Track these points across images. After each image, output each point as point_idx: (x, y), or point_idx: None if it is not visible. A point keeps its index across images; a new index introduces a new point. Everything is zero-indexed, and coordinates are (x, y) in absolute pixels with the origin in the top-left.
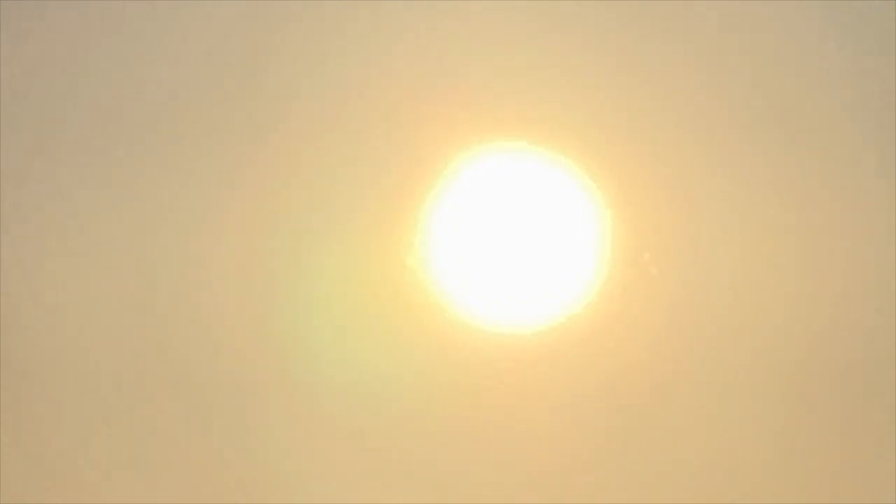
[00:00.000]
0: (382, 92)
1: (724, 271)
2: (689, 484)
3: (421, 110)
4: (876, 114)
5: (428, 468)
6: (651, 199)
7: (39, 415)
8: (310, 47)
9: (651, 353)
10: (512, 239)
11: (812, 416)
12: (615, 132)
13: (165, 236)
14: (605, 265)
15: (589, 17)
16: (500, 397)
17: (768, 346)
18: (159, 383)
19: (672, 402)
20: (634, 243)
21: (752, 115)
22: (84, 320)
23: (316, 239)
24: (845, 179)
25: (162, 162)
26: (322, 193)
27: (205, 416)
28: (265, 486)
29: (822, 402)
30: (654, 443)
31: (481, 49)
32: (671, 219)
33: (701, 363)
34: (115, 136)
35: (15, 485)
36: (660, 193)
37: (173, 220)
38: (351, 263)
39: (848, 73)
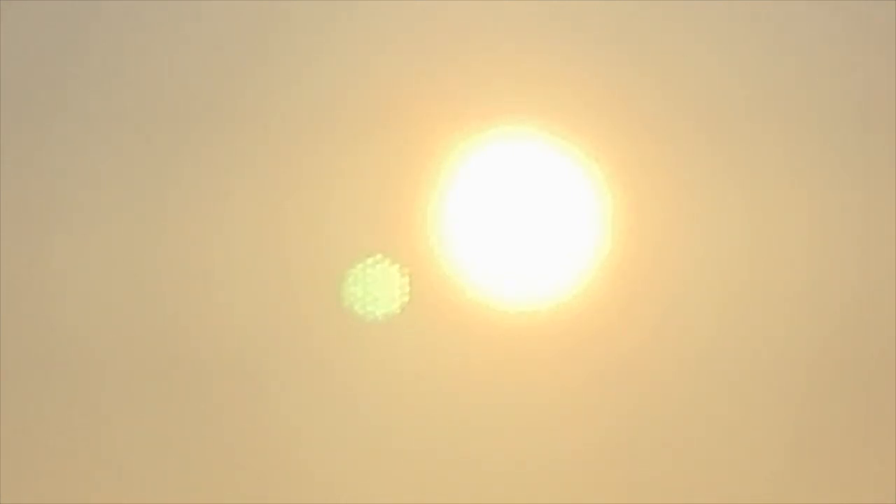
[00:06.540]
0: (393, 79)
1: (726, 251)
2: (694, 449)
3: (435, 96)
4: (879, 109)
5: (438, 434)
6: (657, 183)
7: (45, 410)
8: (316, 33)
9: (655, 332)
10: (521, 222)
11: (814, 395)
12: (620, 118)
13: (173, 227)
14: (611, 246)
15: (598, 10)
16: (510, 373)
17: (770, 320)
18: (166, 377)
19: (678, 373)
20: (641, 228)
21: (757, 103)
22: (91, 313)
23: (326, 226)
24: (847, 170)
25: (167, 156)
26: (332, 182)
27: (212, 407)
28: (277, 461)
29: (824, 381)
30: (663, 411)
31: (490, 39)
32: (677, 201)
33: (707, 336)
34: (119, 131)
35: (16, 482)
36: (666, 179)
37: (181, 209)
38: (361, 247)
39: (849, 70)
